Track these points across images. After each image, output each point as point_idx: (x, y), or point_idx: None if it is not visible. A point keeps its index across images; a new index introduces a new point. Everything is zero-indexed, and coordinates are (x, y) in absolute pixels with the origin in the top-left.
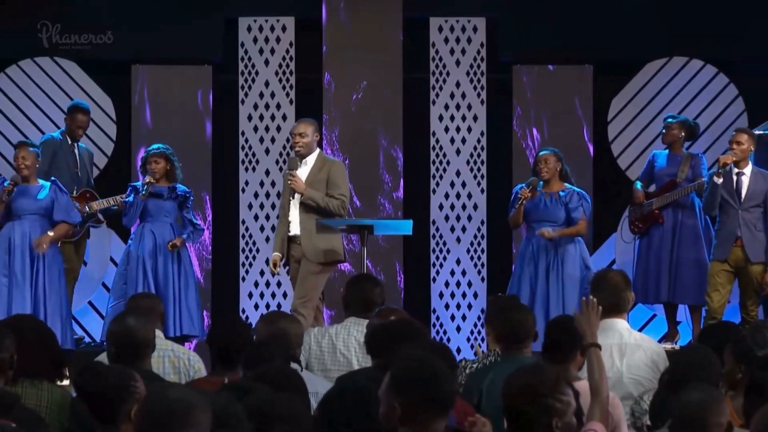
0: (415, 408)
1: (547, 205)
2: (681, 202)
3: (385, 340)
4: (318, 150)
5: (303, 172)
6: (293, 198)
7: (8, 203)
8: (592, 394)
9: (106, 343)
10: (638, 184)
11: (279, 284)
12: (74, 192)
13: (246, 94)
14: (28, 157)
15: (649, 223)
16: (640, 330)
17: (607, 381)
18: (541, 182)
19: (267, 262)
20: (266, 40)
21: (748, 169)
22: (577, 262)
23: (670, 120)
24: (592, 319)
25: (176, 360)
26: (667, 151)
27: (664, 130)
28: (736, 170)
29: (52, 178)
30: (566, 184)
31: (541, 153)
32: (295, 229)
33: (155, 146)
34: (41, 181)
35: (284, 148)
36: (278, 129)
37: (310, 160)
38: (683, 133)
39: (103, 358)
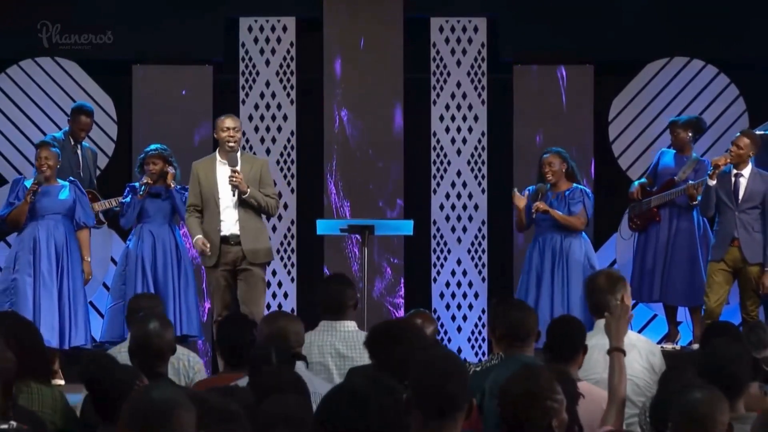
0: (415, 404)
1: (553, 204)
2: (678, 202)
3: (383, 341)
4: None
5: None
6: (234, 195)
7: (32, 202)
8: (609, 398)
9: (129, 345)
10: (637, 182)
11: (279, 284)
12: None
13: (247, 95)
14: (50, 157)
15: (646, 221)
16: (640, 331)
17: (626, 386)
18: (548, 185)
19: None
20: (267, 40)
21: (746, 171)
22: (581, 261)
23: (675, 123)
24: (621, 324)
25: (175, 361)
26: (674, 150)
27: (672, 136)
28: (734, 171)
29: (71, 178)
30: (573, 184)
31: (544, 156)
32: (230, 228)
33: (153, 147)
34: (60, 181)
35: (285, 148)
36: (279, 129)
37: (238, 157)
38: (690, 133)
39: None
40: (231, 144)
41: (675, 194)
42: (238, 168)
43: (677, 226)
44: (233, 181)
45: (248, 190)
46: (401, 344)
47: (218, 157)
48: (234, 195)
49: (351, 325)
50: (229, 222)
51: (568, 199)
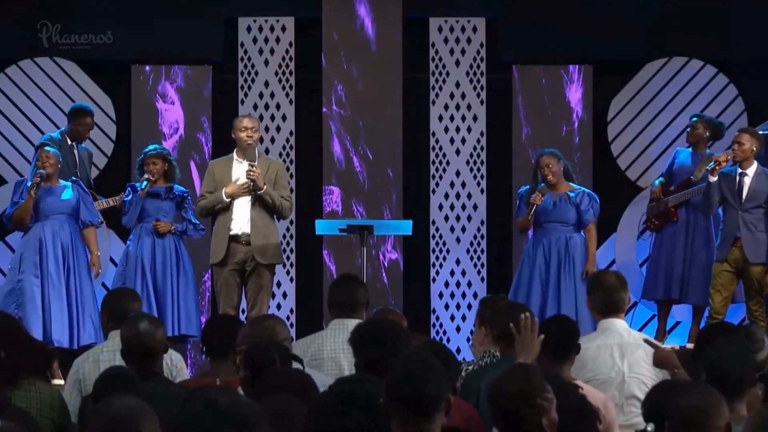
0: (395, 407)
1: (557, 206)
2: (695, 201)
3: (366, 340)
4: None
5: None
6: (250, 193)
7: (36, 203)
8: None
9: (122, 345)
10: (657, 181)
11: (279, 284)
12: None
13: (246, 94)
14: (51, 156)
15: (664, 221)
16: (640, 330)
17: None
18: (542, 184)
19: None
20: (266, 40)
21: (751, 170)
22: (584, 260)
23: (695, 119)
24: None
25: None
26: (690, 149)
27: (688, 129)
28: (739, 170)
29: (73, 177)
30: (572, 184)
31: (541, 157)
32: (241, 226)
33: (152, 147)
34: (62, 181)
35: (284, 148)
36: (278, 129)
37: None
38: (708, 133)
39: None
40: (249, 143)
41: (692, 193)
42: (256, 163)
43: (695, 223)
44: (251, 175)
45: (264, 186)
46: (384, 344)
47: (235, 157)
48: (249, 190)
49: None
50: (241, 220)
51: (576, 202)
